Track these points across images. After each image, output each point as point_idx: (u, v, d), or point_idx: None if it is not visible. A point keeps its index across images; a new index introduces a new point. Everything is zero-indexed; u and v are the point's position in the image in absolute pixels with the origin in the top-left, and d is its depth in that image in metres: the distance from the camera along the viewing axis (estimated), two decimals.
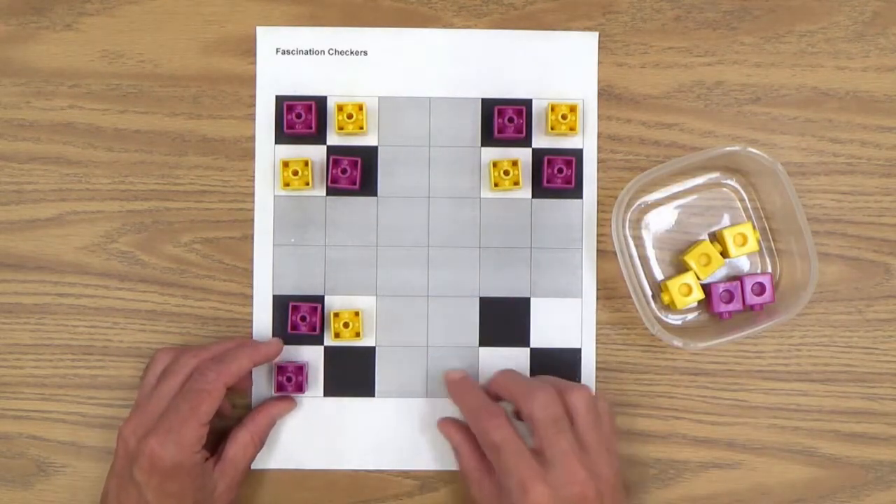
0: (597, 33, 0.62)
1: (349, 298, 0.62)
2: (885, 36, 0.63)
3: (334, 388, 0.62)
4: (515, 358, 0.62)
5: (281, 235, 0.62)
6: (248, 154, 0.62)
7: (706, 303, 0.62)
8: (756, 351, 0.62)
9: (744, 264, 0.62)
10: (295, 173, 0.61)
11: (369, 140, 0.62)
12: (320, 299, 0.62)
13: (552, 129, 0.61)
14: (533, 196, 0.62)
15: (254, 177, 0.62)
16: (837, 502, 0.62)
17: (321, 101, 0.62)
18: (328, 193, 0.62)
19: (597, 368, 0.62)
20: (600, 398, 0.57)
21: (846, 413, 0.62)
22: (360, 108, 0.61)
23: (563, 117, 0.61)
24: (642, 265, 0.62)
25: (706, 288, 0.61)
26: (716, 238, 0.62)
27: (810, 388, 0.62)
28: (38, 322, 0.62)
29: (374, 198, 0.62)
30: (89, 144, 0.62)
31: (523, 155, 0.62)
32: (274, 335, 0.62)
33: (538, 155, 0.62)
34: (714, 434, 0.62)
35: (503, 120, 0.61)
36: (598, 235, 0.62)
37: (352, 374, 0.62)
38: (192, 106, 0.62)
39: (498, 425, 0.54)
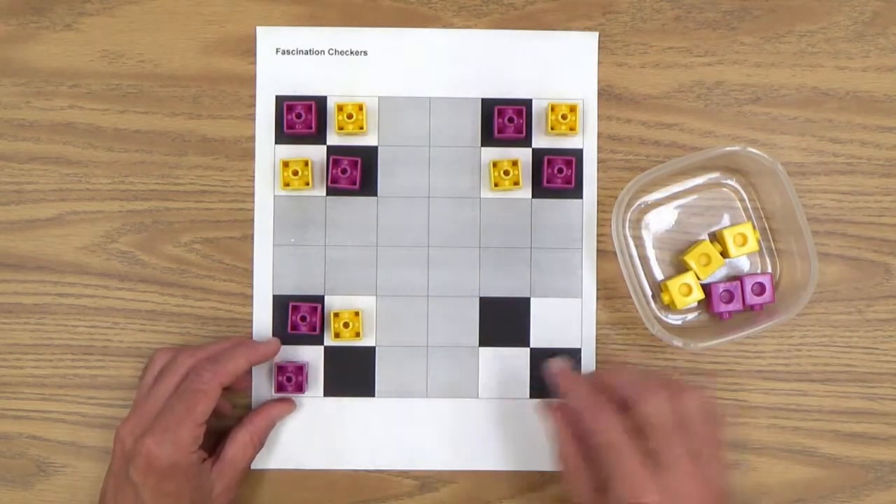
0: (597, 33, 0.62)
1: (349, 298, 0.62)
2: (885, 36, 0.63)
3: (334, 388, 0.62)
4: (515, 358, 0.62)
5: (281, 235, 0.62)
6: (248, 154, 0.62)
7: (706, 303, 0.62)
8: (756, 351, 0.62)
9: (744, 264, 0.62)
10: (295, 173, 0.61)
11: (369, 140, 0.62)
12: (320, 299, 0.62)
13: (552, 129, 0.61)
14: (533, 196, 0.62)
15: (254, 177, 0.62)
16: (837, 502, 0.62)
17: (321, 101, 0.62)
18: (328, 193, 0.62)
19: (597, 368, 0.62)
20: (712, 403, 0.55)
21: (846, 413, 0.62)
22: (360, 108, 0.61)
23: (563, 117, 0.61)
24: (642, 265, 0.62)
25: (706, 288, 0.61)
26: (716, 238, 0.62)
27: (810, 388, 0.62)
28: (38, 322, 0.62)
29: (374, 198, 0.62)
30: (89, 144, 0.62)
31: (523, 155, 0.62)
32: (274, 335, 0.62)
33: (538, 155, 0.62)
34: None
35: (503, 120, 0.61)
36: (598, 235, 0.62)
37: (352, 374, 0.62)
38: (192, 106, 0.62)
39: (610, 425, 0.52)
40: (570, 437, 0.56)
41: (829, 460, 0.62)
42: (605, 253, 0.62)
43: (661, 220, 0.63)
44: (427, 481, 0.62)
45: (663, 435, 0.51)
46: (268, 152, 0.62)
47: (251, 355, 0.58)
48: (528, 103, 0.62)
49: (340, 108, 0.61)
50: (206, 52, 0.62)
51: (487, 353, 0.62)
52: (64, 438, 0.62)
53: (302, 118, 0.61)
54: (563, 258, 0.62)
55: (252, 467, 0.61)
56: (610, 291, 0.62)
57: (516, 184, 0.61)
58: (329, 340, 0.62)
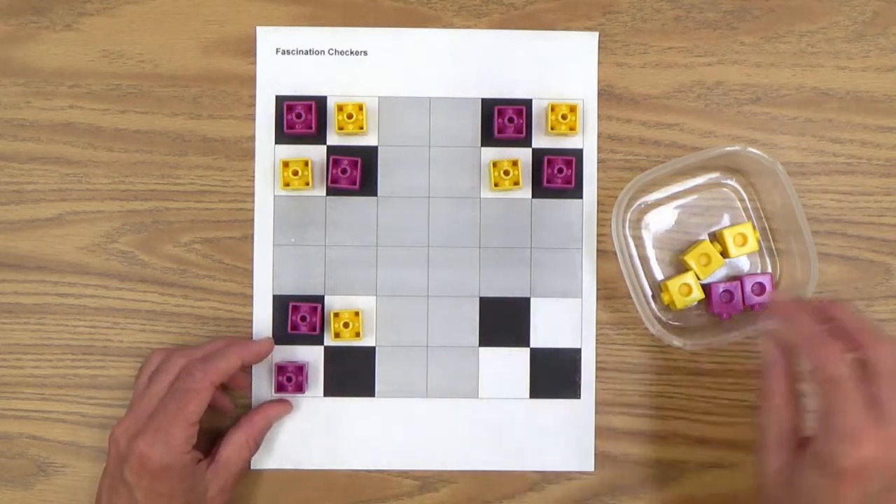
0: (597, 33, 0.62)
1: (349, 298, 0.62)
2: (885, 36, 0.63)
3: (334, 388, 0.62)
4: (515, 358, 0.62)
5: (281, 235, 0.62)
6: (248, 154, 0.62)
7: (706, 303, 0.62)
8: (756, 351, 0.62)
9: (744, 264, 0.62)
10: (295, 173, 0.61)
11: (369, 140, 0.62)
12: (320, 299, 0.62)
13: (552, 129, 0.61)
14: (533, 196, 0.62)
15: (254, 177, 0.62)
16: None
17: (321, 101, 0.62)
18: (328, 193, 0.62)
19: (597, 368, 0.62)
20: None
21: None
22: (360, 108, 0.61)
23: (563, 117, 0.61)
24: (642, 265, 0.62)
25: (706, 288, 0.61)
26: (716, 238, 0.62)
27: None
28: (38, 322, 0.62)
29: (374, 198, 0.62)
30: (89, 144, 0.62)
31: (523, 155, 0.62)
32: (274, 335, 0.62)
33: (538, 155, 0.62)
34: (714, 434, 0.62)
35: (503, 120, 0.61)
36: (598, 235, 0.62)
37: (352, 374, 0.62)
38: (192, 106, 0.62)
39: (839, 359, 0.48)
40: (783, 373, 0.52)
41: None
42: (605, 253, 0.62)
43: (661, 220, 0.63)
44: (427, 481, 0.62)
45: (892, 385, 0.48)
46: (268, 152, 0.62)
47: (244, 354, 0.57)
48: (528, 103, 0.62)
49: (340, 108, 0.61)
50: (206, 52, 0.62)
51: (487, 353, 0.62)
52: (64, 438, 0.62)
53: (302, 118, 0.61)
54: (563, 258, 0.62)
55: (252, 467, 0.61)
56: (610, 291, 0.62)
57: (516, 184, 0.61)
58: (329, 340, 0.62)
